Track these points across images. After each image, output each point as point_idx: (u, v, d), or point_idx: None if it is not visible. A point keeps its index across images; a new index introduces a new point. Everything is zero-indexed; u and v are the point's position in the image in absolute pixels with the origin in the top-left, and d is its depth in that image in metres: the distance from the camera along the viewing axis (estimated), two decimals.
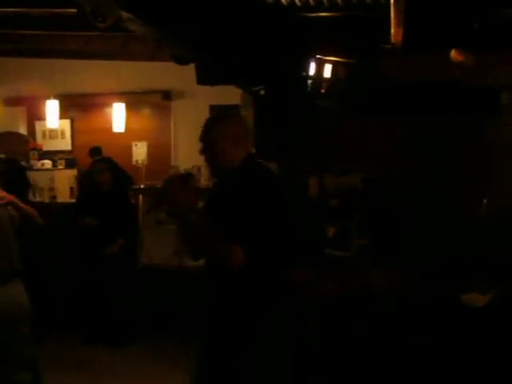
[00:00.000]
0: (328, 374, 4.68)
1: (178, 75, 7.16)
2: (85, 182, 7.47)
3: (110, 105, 8.51)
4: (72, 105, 8.92)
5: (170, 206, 2.83)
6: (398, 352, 4.55)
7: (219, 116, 3.13)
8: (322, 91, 6.20)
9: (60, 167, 8.73)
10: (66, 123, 9.14)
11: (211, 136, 2.94)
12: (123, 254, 6.58)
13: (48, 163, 8.74)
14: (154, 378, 5.46)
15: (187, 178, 2.91)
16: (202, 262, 3.01)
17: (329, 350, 4.87)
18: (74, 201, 7.70)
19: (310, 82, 6.15)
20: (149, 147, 8.70)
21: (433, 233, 5.87)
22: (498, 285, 3.91)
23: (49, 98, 8.33)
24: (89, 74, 8.56)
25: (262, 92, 6.33)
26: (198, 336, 3.02)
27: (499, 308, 3.86)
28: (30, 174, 8.12)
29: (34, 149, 8.90)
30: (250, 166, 2.94)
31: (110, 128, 8.41)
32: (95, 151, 8.07)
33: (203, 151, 2.98)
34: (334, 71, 6.08)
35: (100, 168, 6.69)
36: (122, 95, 8.51)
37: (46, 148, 9.12)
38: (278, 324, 2.83)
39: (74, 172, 8.64)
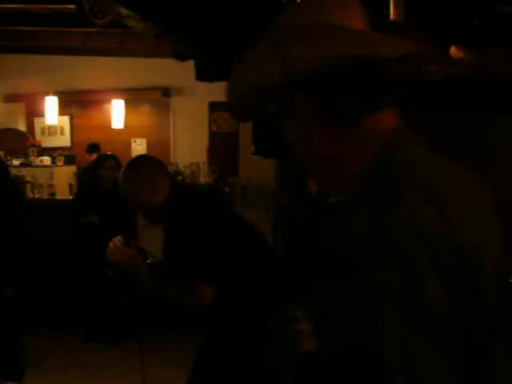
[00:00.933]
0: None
1: (177, 72, 7.15)
2: (86, 177, 7.45)
3: (109, 101, 8.51)
4: (71, 101, 8.92)
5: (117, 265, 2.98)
6: None
7: (135, 164, 3.04)
8: None
9: (59, 164, 8.72)
10: (65, 120, 9.15)
11: (131, 187, 2.89)
12: None
13: (47, 160, 8.73)
14: (154, 375, 5.47)
15: (125, 239, 3.00)
16: None
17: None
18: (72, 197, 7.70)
19: None
20: (148, 144, 8.70)
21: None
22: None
23: (48, 94, 8.33)
24: (88, 71, 8.56)
25: None
26: (198, 334, 3.02)
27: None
28: (29, 171, 8.12)
29: (33, 145, 8.89)
30: (182, 200, 2.89)
31: (109, 124, 8.41)
32: (93, 148, 8.06)
33: (128, 203, 2.96)
34: None
35: (109, 165, 6.64)
36: (121, 92, 8.51)
37: (44, 144, 9.12)
38: (276, 324, 2.82)
39: (73, 168, 8.63)
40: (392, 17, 4.98)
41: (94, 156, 7.98)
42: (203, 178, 7.34)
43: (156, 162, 3.01)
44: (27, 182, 7.76)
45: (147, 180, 2.86)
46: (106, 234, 6.55)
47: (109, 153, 6.93)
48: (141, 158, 3.24)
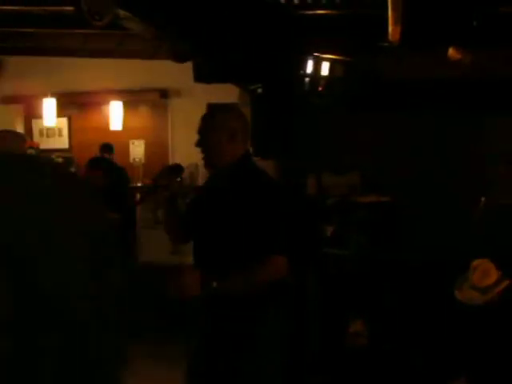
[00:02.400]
0: (327, 373, 4.68)
1: (176, 73, 7.15)
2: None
3: (107, 103, 8.51)
4: (69, 103, 8.90)
5: (162, 191, 2.96)
6: (394, 353, 4.55)
7: (218, 108, 3.08)
8: (320, 89, 6.20)
9: None
10: (64, 121, 9.13)
11: (207, 127, 2.89)
12: (121, 250, 6.59)
13: None
14: (151, 376, 5.47)
15: (177, 168, 3.02)
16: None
17: (327, 350, 4.87)
18: None
19: (307, 80, 6.14)
20: (146, 145, 8.69)
21: (431, 230, 5.87)
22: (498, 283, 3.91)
23: (46, 96, 8.32)
24: (86, 72, 8.54)
25: (260, 90, 6.33)
26: (194, 335, 3.02)
27: (499, 308, 3.86)
28: None
29: (31, 147, 8.85)
30: (246, 168, 2.88)
31: (108, 126, 8.40)
32: (106, 148, 8.04)
33: (199, 144, 2.93)
34: (331, 69, 6.08)
35: (94, 179, 6.63)
36: (119, 93, 8.51)
37: (43, 146, 9.09)
38: (269, 323, 2.82)
39: (71, 170, 8.62)
40: (390, 35, 5.00)
41: (106, 156, 7.99)
42: (202, 180, 7.34)
43: (244, 119, 3.00)
44: None
45: (230, 128, 2.84)
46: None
47: (100, 156, 6.90)
48: (228, 106, 3.27)
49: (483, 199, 5.73)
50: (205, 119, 2.94)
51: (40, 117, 8.60)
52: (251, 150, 6.34)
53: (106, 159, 6.93)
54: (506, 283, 3.87)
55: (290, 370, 3.17)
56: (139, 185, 7.60)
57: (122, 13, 3.81)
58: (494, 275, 3.87)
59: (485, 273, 3.89)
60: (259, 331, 2.79)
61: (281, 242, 2.72)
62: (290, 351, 3.00)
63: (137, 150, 8.69)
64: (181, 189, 2.87)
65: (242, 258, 2.72)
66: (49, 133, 9.24)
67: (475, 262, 3.99)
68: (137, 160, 8.51)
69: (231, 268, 2.71)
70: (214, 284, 2.63)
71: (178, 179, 3.02)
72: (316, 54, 6.00)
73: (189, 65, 6.08)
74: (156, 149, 8.59)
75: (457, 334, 3.97)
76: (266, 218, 2.71)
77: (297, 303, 4.58)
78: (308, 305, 5.09)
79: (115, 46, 6.61)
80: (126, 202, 6.88)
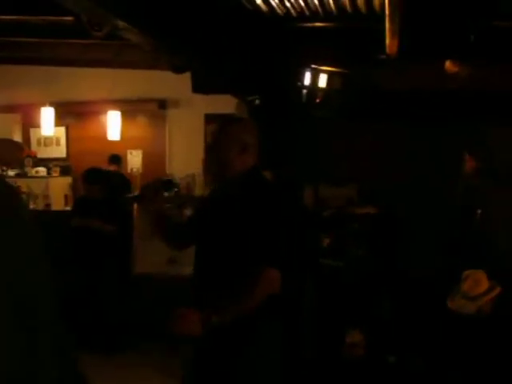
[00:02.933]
0: (322, 381, 4.68)
1: (174, 84, 7.17)
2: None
3: (105, 113, 8.52)
4: (67, 112, 8.92)
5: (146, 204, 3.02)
6: (392, 363, 4.55)
7: (230, 121, 3.07)
8: (317, 101, 6.22)
9: (55, 175, 8.72)
10: (61, 131, 9.14)
11: (220, 141, 2.88)
12: (117, 262, 6.58)
13: (43, 170, 8.73)
14: (147, 383, 5.47)
15: (167, 183, 3.07)
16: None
17: (324, 360, 4.87)
18: (68, 208, 7.70)
19: (305, 91, 6.17)
20: (144, 155, 8.70)
21: (428, 241, 5.88)
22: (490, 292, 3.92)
23: (44, 105, 8.33)
24: (84, 82, 8.57)
25: (257, 101, 6.35)
26: (189, 343, 3.02)
27: (491, 316, 3.87)
28: (25, 182, 8.11)
29: (29, 156, 8.88)
30: (255, 179, 2.87)
31: (105, 136, 8.41)
32: (114, 159, 8.08)
33: (210, 156, 2.95)
34: (329, 81, 6.11)
35: (92, 192, 6.64)
36: (117, 103, 8.52)
37: (40, 155, 9.11)
38: (266, 332, 2.82)
39: (68, 179, 8.63)
40: (388, 48, 5.03)
41: (113, 167, 8.01)
42: (199, 190, 7.35)
43: (255, 132, 2.99)
44: (23, 192, 7.75)
45: (241, 140, 2.84)
46: (100, 242, 6.48)
47: (99, 167, 6.87)
48: (241, 119, 3.28)
49: (479, 211, 5.75)
50: (217, 132, 2.93)
51: (38, 126, 8.61)
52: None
53: (102, 171, 6.92)
54: (496, 292, 3.89)
55: (286, 381, 3.17)
56: (136, 194, 7.60)
57: (120, 23, 3.82)
58: (484, 284, 3.89)
59: (476, 282, 3.91)
60: (255, 340, 2.79)
61: (278, 255, 2.71)
62: (286, 361, 3.00)
63: (134, 159, 8.70)
64: (176, 199, 2.90)
65: (240, 267, 2.72)
66: (46, 142, 9.26)
67: (467, 272, 4.01)
68: (134, 170, 8.52)
69: (227, 287, 2.71)
70: (214, 319, 2.61)
71: (167, 193, 3.05)
72: (314, 65, 6.03)
73: (187, 75, 6.10)
74: (154, 159, 8.60)
75: (453, 343, 3.98)
76: (266, 229, 2.71)
77: (293, 313, 4.58)
78: (305, 315, 5.09)
79: (113, 56, 6.62)
80: (123, 213, 6.86)
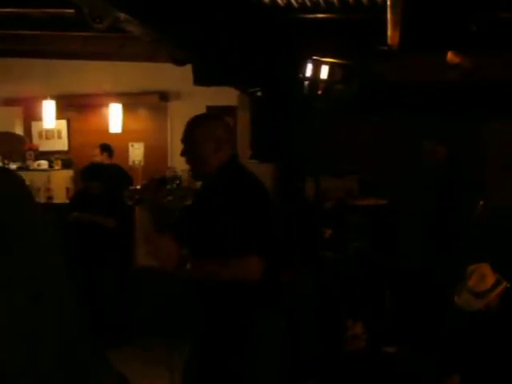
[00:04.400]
0: (325, 376, 4.69)
1: (175, 76, 7.16)
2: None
3: (106, 105, 8.51)
4: (68, 105, 8.91)
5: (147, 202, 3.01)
6: (393, 356, 4.56)
7: (201, 118, 3.08)
8: (319, 92, 6.21)
9: (56, 167, 8.71)
10: (63, 124, 9.13)
11: (192, 139, 2.91)
12: (118, 256, 6.58)
13: (44, 163, 8.72)
14: (147, 379, 5.47)
15: (162, 181, 3.07)
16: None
17: (326, 353, 4.88)
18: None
19: (306, 83, 6.16)
20: (145, 148, 8.69)
21: (429, 233, 5.88)
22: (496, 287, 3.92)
23: (45, 98, 8.32)
24: (86, 75, 8.55)
25: (259, 93, 6.34)
26: (189, 339, 3.03)
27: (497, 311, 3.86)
28: (26, 175, 8.10)
29: (30, 149, 8.87)
30: (229, 174, 2.89)
31: (107, 129, 8.40)
32: (105, 147, 8.09)
33: (184, 153, 2.96)
34: (330, 73, 6.09)
35: (92, 189, 6.61)
36: (118, 96, 8.51)
37: (42, 148, 9.10)
38: (265, 328, 2.83)
39: (70, 172, 8.62)
40: (389, 39, 5.02)
41: (105, 155, 8.01)
42: (198, 184, 7.34)
43: (227, 126, 3.03)
44: None
45: (216, 138, 2.86)
46: (101, 237, 6.47)
47: (97, 163, 6.84)
48: (211, 115, 3.29)
49: (481, 202, 5.75)
50: (188, 131, 2.95)
51: (39, 119, 8.61)
52: (250, 152, 6.37)
53: (102, 165, 6.89)
54: (502, 286, 3.88)
55: (287, 374, 3.17)
56: (138, 187, 7.60)
57: (122, 16, 3.81)
58: (490, 279, 3.88)
59: (481, 277, 3.90)
60: (255, 337, 2.79)
61: (258, 243, 2.71)
62: (287, 355, 3.00)
63: (136, 152, 8.69)
64: (178, 191, 2.91)
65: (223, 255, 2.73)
66: (48, 135, 9.25)
67: (472, 267, 3.99)
68: (136, 162, 8.51)
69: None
70: (188, 265, 2.65)
71: (169, 186, 3.08)
72: (315, 57, 6.01)
73: (188, 68, 6.09)
74: (155, 151, 8.59)
75: (455, 337, 3.98)
76: (244, 217, 2.72)
77: (294, 306, 4.59)
78: (306, 308, 5.10)
79: (115, 49, 6.62)
80: (123, 207, 6.78)
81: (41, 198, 8.04)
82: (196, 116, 3.05)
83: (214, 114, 3.71)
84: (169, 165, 8.27)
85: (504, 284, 3.89)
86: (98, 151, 8.02)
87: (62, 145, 9.26)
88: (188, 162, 2.97)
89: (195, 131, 2.93)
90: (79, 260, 6.45)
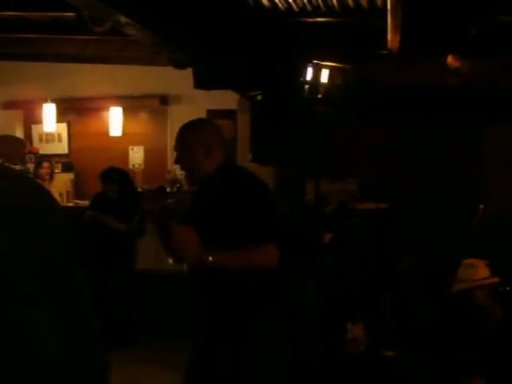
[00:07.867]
0: (325, 379, 4.68)
1: (175, 80, 7.17)
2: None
3: (106, 109, 8.51)
4: (69, 108, 8.91)
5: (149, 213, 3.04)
6: (393, 359, 4.56)
7: (189, 124, 3.09)
8: (319, 96, 6.21)
9: (56, 171, 8.72)
10: (63, 127, 9.13)
11: (182, 146, 2.95)
12: (124, 259, 6.60)
13: None
14: (152, 379, 5.47)
15: (158, 192, 3.12)
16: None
17: (326, 356, 4.88)
18: (70, 205, 7.71)
19: (306, 87, 6.16)
20: (145, 151, 8.70)
21: (430, 237, 5.89)
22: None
23: (46, 101, 8.32)
24: (86, 78, 8.56)
25: (259, 97, 6.35)
26: (192, 338, 3.03)
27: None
28: None
29: (31, 152, 8.88)
30: (226, 172, 2.91)
31: (107, 132, 8.40)
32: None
33: (177, 161, 3.01)
34: (330, 76, 6.10)
35: (110, 193, 6.65)
36: (119, 99, 8.51)
37: (42, 152, 9.09)
38: (266, 328, 2.83)
39: (70, 176, 8.63)
40: (390, 43, 5.02)
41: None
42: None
43: (217, 130, 3.04)
44: None
45: (204, 143, 2.88)
46: (109, 238, 6.42)
47: (116, 167, 6.83)
48: (201, 121, 3.31)
49: (482, 206, 5.75)
50: (178, 139, 2.99)
51: (39, 122, 8.61)
52: (250, 155, 6.37)
53: (120, 169, 6.90)
54: (492, 280, 3.88)
55: (287, 377, 3.17)
56: (138, 191, 7.59)
57: (122, 19, 3.82)
58: (481, 271, 3.88)
59: (470, 266, 3.92)
60: (256, 336, 2.80)
61: (270, 232, 2.75)
62: (287, 357, 3.01)
63: (136, 156, 8.70)
64: (178, 195, 2.95)
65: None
66: (48, 138, 9.25)
67: (468, 260, 4.03)
68: (136, 166, 8.52)
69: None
70: (210, 258, 2.64)
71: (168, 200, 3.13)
72: (316, 61, 6.02)
73: (189, 71, 6.10)
74: (155, 155, 8.59)
75: (458, 339, 3.98)
76: (252, 209, 2.75)
77: (295, 309, 4.59)
78: (306, 311, 5.09)
79: (115, 52, 6.62)
80: (136, 211, 6.72)
81: None
82: (186, 123, 3.07)
83: (204, 119, 3.72)
84: (169, 168, 8.27)
85: (494, 279, 3.88)
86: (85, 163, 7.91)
87: (62, 148, 9.25)
88: (182, 168, 3.03)
89: (184, 138, 2.97)
90: (89, 260, 6.46)
